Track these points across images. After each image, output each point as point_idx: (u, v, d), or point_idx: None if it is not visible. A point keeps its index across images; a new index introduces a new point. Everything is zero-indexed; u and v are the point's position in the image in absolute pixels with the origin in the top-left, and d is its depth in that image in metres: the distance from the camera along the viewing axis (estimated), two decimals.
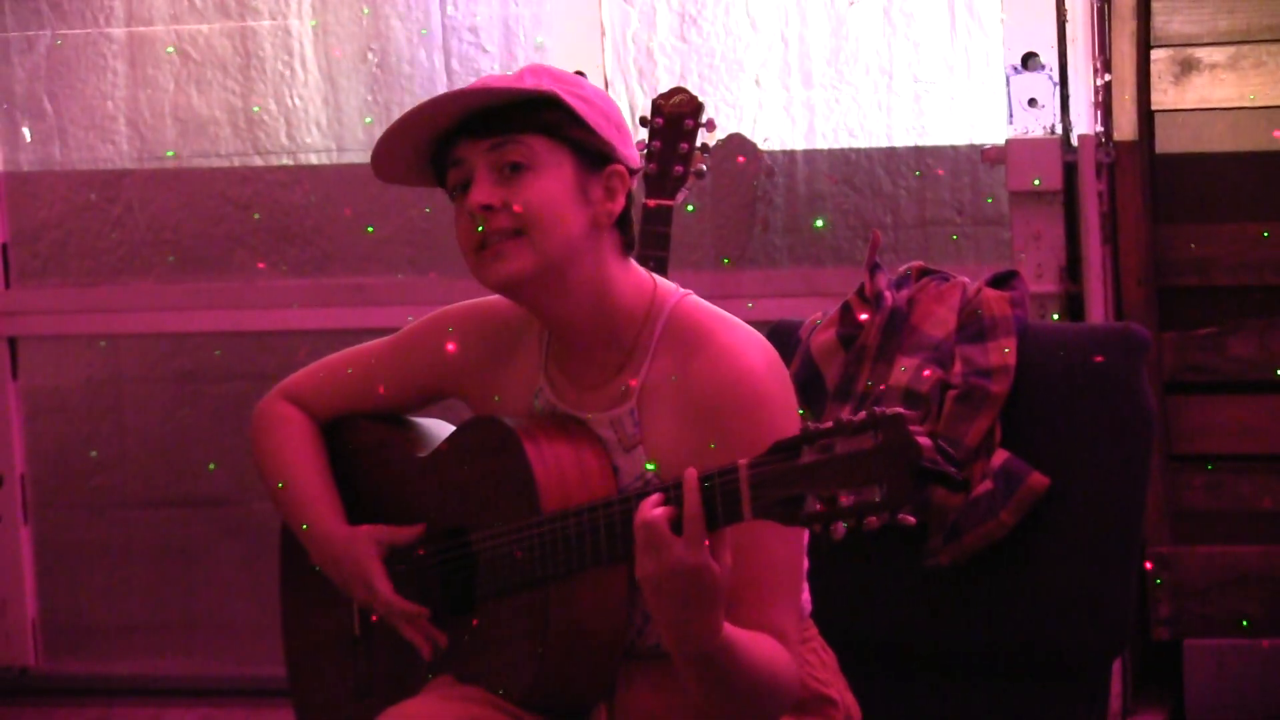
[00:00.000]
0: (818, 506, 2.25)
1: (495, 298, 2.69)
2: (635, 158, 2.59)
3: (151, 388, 4.77)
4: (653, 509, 2.33)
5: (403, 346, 2.76)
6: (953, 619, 2.94)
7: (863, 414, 2.22)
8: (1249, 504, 4.23)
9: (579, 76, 2.61)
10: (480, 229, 2.52)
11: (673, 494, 2.35)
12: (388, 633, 2.70)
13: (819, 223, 4.38)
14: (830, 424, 2.25)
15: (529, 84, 2.53)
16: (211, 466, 4.67)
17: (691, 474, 2.33)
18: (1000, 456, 2.91)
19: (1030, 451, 2.91)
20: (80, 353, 4.78)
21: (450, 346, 2.71)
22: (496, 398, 2.66)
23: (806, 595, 2.66)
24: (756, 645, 2.41)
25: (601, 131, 2.54)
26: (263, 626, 4.43)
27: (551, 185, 2.51)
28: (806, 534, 2.59)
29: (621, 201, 2.56)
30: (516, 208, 2.50)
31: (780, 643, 2.46)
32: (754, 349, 2.52)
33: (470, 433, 2.63)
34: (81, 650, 4.83)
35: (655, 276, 2.62)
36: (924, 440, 2.18)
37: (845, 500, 2.23)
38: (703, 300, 2.60)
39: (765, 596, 2.44)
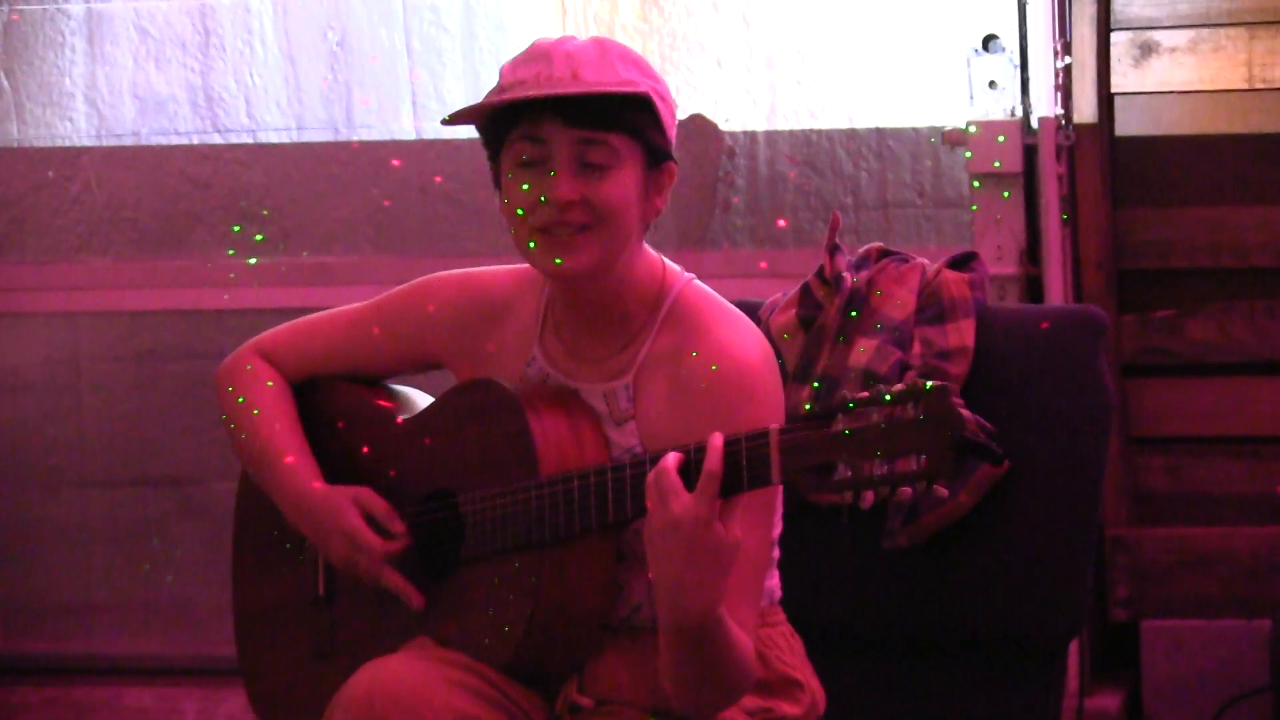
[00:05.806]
0: (848, 474, 2.25)
1: (483, 269, 2.71)
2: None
3: (110, 366, 4.74)
4: (670, 463, 2.35)
5: (386, 310, 2.75)
6: (910, 601, 2.95)
7: (901, 384, 2.23)
8: (1207, 486, 4.25)
9: (647, 63, 2.59)
10: (549, 215, 2.51)
11: (694, 454, 2.36)
12: (357, 592, 2.69)
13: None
14: (867, 393, 2.26)
15: (624, 77, 2.51)
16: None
17: (717, 436, 2.34)
18: None
19: None
20: (38, 331, 4.76)
21: (433, 310, 2.70)
22: (484, 365, 2.66)
23: (776, 580, 2.67)
24: (740, 632, 2.43)
25: (670, 133, 2.57)
26: (221, 606, 4.38)
27: (625, 186, 2.52)
28: (779, 529, 2.61)
29: (667, 197, 2.59)
30: (595, 205, 2.51)
31: None
32: (752, 342, 2.55)
33: (465, 395, 2.63)
34: (39, 630, 4.80)
35: (664, 258, 2.64)
36: (966, 413, 2.19)
37: (879, 469, 2.23)
38: (706, 286, 2.63)
39: (731, 586, 2.43)
